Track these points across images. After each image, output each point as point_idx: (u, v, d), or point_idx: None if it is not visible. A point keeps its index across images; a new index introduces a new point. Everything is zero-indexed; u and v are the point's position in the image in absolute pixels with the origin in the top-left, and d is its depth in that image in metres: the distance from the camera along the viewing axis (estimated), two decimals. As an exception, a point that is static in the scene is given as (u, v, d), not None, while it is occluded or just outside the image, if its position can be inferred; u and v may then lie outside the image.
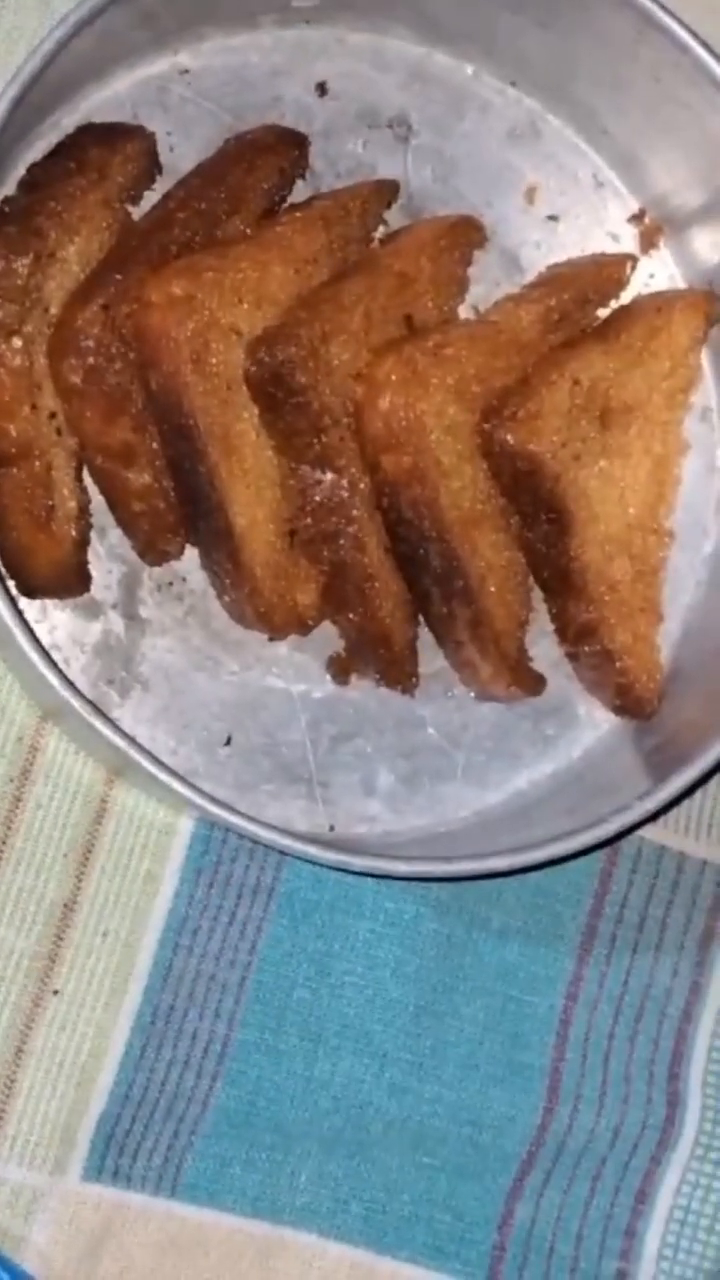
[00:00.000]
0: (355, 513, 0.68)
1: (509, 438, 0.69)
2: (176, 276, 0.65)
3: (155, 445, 0.67)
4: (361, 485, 0.68)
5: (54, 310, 0.65)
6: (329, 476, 0.68)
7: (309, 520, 0.69)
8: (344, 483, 0.68)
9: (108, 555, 0.70)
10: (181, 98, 0.72)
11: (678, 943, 0.73)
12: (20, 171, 0.67)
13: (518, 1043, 0.72)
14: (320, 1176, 0.70)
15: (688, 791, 0.67)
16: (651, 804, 0.67)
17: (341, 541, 0.69)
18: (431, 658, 0.72)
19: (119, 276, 0.65)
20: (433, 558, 0.69)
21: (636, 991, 0.72)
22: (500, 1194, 0.71)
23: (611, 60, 0.72)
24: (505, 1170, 0.71)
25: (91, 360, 0.64)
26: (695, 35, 0.70)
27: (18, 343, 0.63)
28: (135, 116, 0.71)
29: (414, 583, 0.70)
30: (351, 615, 0.70)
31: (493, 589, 0.70)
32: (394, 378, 0.68)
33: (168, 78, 0.72)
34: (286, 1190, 0.70)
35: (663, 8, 0.70)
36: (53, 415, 0.66)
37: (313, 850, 0.65)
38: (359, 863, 0.66)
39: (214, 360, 0.66)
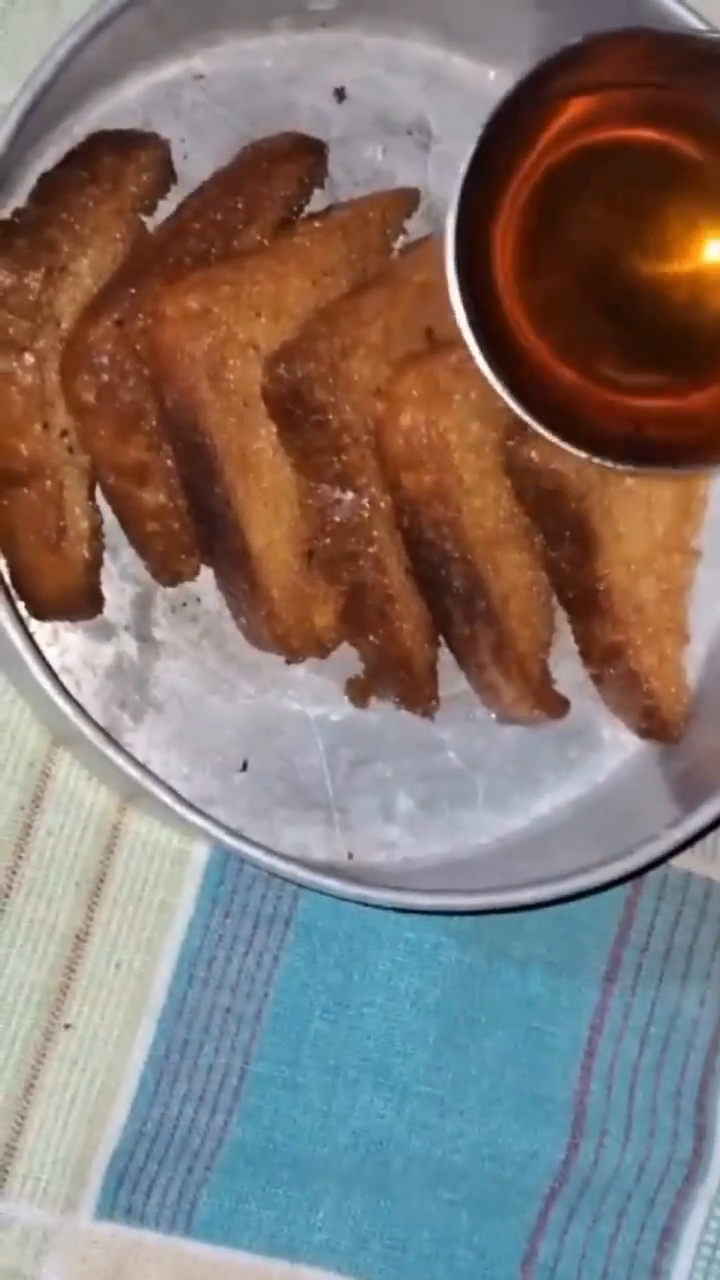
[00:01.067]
0: (375, 532, 0.66)
1: (533, 455, 0.67)
2: (192, 290, 0.63)
3: (169, 463, 0.65)
4: (382, 504, 0.67)
5: (66, 325, 0.63)
6: (349, 495, 0.66)
7: (328, 540, 0.67)
8: (364, 502, 0.66)
9: (120, 575, 0.68)
10: (195, 103, 0.70)
11: (704, 971, 0.71)
12: (31, 181, 0.65)
13: (541, 1075, 0.70)
14: (339, 1213, 0.68)
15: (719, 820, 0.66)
16: (681, 834, 0.65)
17: (361, 562, 0.67)
18: (452, 680, 0.70)
19: (133, 291, 0.63)
20: (455, 578, 0.67)
21: (662, 1022, 0.71)
22: (524, 1231, 0.69)
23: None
24: (528, 1206, 0.69)
25: (105, 377, 0.62)
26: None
27: (29, 359, 0.61)
28: (148, 123, 0.69)
29: (435, 604, 0.68)
30: (371, 637, 0.68)
31: (516, 610, 0.68)
32: (415, 393, 0.66)
33: (181, 82, 0.70)
34: (304, 1227, 0.68)
35: (690, 9, 0.68)
36: (64, 433, 0.64)
37: (332, 884, 0.64)
38: (379, 896, 0.64)
39: (230, 376, 0.64)
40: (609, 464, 0.65)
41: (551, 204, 0.66)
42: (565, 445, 0.65)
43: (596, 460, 0.65)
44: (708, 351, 0.67)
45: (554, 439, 0.65)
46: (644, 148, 0.67)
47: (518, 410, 0.64)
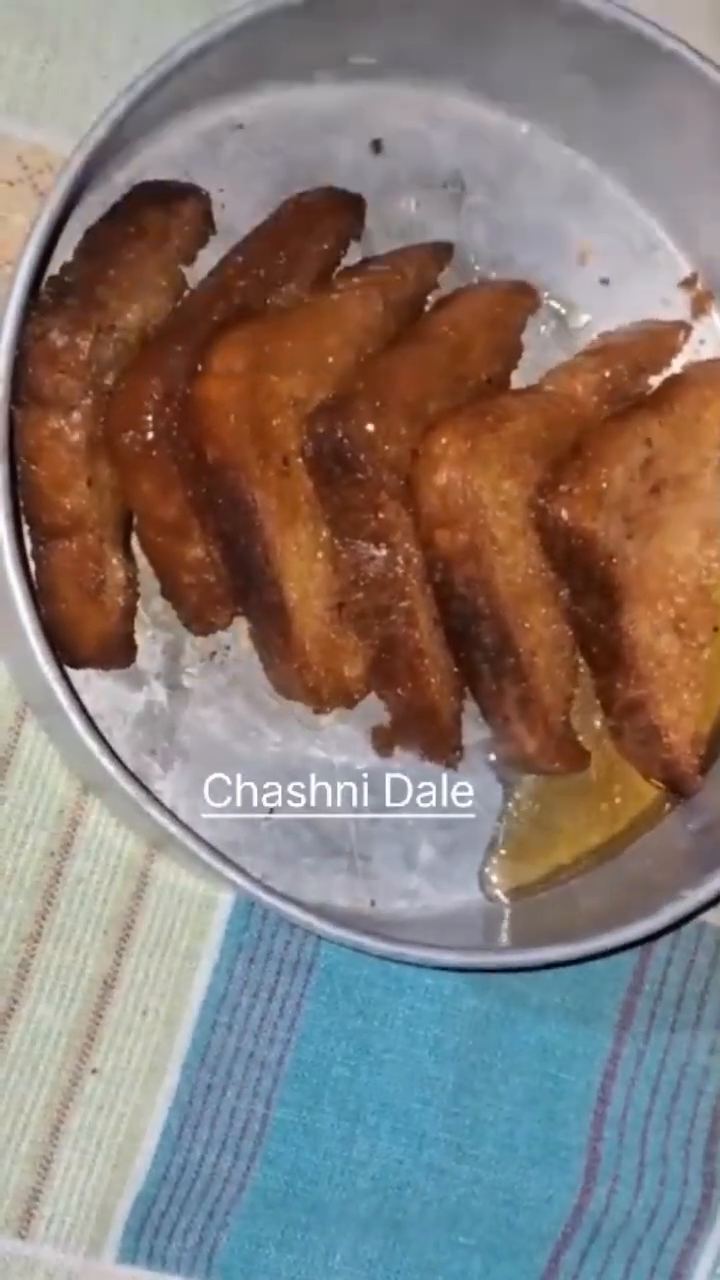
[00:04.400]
0: (408, 588, 0.67)
1: (564, 514, 0.68)
2: (235, 348, 0.64)
3: (209, 518, 0.65)
4: (415, 560, 0.67)
5: (109, 379, 0.63)
6: (383, 552, 0.67)
7: (360, 595, 0.67)
8: (398, 558, 0.67)
9: (151, 623, 0.69)
10: (235, 153, 0.70)
11: (716, 1020, 0.73)
12: (75, 229, 0.65)
13: (555, 1122, 0.71)
14: (355, 1257, 0.69)
15: (742, 880, 0.67)
16: (705, 894, 0.66)
17: (393, 616, 0.67)
18: (473, 729, 0.71)
19: (179, 348, 0.63)
20: (485, 634, 0.68)
21: (674, 1069, 0.72)
22: (536, 1275, 0.70)
23: (670, 123, 0.71)
24: (541, 1250, 0.71)
25: (149, 434, 0.63)
26: (758, 104, 0.69)
27: (77, 417, 0.62)
28: (188, 173, 0.69)
29: (463, 658, 0.69)
30: (399, 690, 0.69)
31: (542, 664, 0.69)
32: (450, 452, 0.66)
33: (221, 132, 0.70)
34: (321, 1271, 0.69)
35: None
36: (106, 487, 0.64)
37: (353, 937, 0.64)
38: (400, 951, 0.65)
39: (272, 433, 0.64)
40: None
41: None
42: None
43: None
44: None
45: None
46: None
47: None
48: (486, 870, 0.71)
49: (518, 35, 0.69)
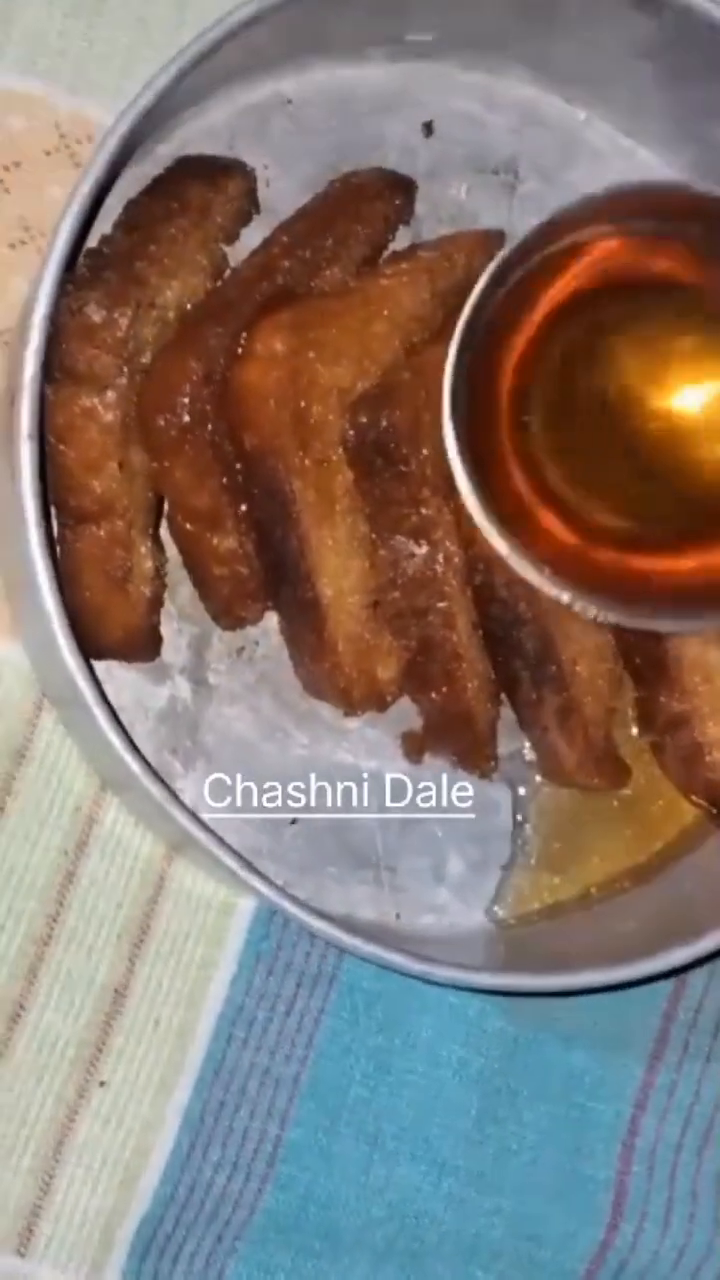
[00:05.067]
0: (447, 588, 0.64)
1: (611, 518, 0.65)
2: (278, 332, 0.61)
3: (243, 508, 0.62)
4: (455, 560, 0.64)
5: (146, 359, 0.61)
6: (423, 549, 0.64)
7: (398, 594, 0.64)
8: (439, 556, 0.64)
9: (178, 615, 0.66)
10: (282, 130, 0.67)
11: (751, 1052, 0.70)
12: (115, 203, 0.63)
13: (582, 1153, 0.68)
14: (368, 1287, 0.66)
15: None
16: (750, 919, 0.63)
17: (431, 617, 0.64)
18: (508, 739, 0.68)
19: (219, 329, 0.61)
20: (526, 640, 0.65)
21: (708, 1102, 0.69)
22: (556, 1313, 0.68)
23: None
24: (562, 1288, 0.68)
25: (186, 418, 0.60)
26: None
27: (111, 396, 0.59)
28: (233, 148, 0.66)
29: (502, 664, 0.66)
30: (434, 694, 0.66)
31: (584, 674, 0.66)
32: (496, 447, 0.64)
33: (269, 107, 0.67)
34: (332, 1301, 0.66)
35: None
36: (137, 472, 0.61)
37: (393, 958, 0.61)
38: (426, 970, 0.62)
39: (313, 422, 0.62)
40: (613, 617, 0.61)
41: (560, 344, 0.61)
42: (565, 594, 0.60)
43: (604, 616, 0.60)
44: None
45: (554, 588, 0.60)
46: (669, 288, 0.62)
47: (522, 568, 0.59)
48: (506, 889, 0.68)
49: (582, 17, 0.66)
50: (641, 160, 0.71)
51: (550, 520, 0.61)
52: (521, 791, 0.68)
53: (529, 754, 0.68)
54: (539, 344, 0.61)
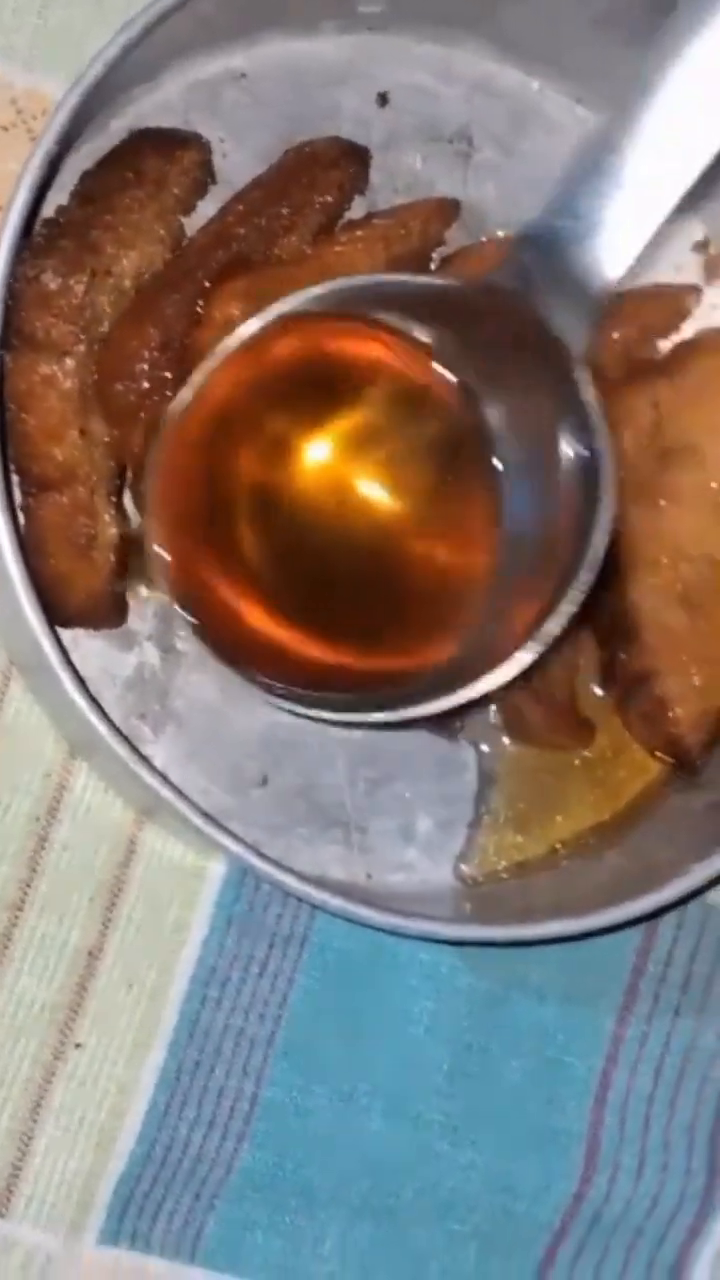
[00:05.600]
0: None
1: (571, 477, 0.66)
2: (235, 298, 0.62)
3: (204, 473, 0.63)
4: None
5: (104, 328, 0.61)
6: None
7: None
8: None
9: (145, 584, 0.66)
10: (236, 103, 0.68)
11: (721, 1004, 0.70)
12: (68, 178, 0.64)
13: (554, 1107, 0.69)
14: (345, 1244, 0.67)
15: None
16: (712, 869, 0.64)
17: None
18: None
19: (176, 296, 0.61)
20: (488, 600, 0.66)
21: (678, 1053, 0.70)
22: (532, 1264, 0.68)
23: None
24: (537, 1240, 0.68)
25: (144, 384, 0.61)
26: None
27: (70, 364, 0.60)
28: (188, 122, 0.67)
29: (465, 624, 0.67)
30: (400, 657, 0.67)
31: (546, 634, 0.67)
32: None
33: (221, 81, 0.68)
34: (310, 1258, 0.66)
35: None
36: (98, 440, 0.62)
37: (347, 906, 0.62)
38: (394, 922, 0.63)
39: (271, 386, 0.62)
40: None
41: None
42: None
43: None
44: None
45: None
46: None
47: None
48: (474, 848, 0.68)
49: (534, -10, 0.67)
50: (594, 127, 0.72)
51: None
52: (486, 750, 0.69)
53: (494, 715, 0.69)
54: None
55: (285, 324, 0.57)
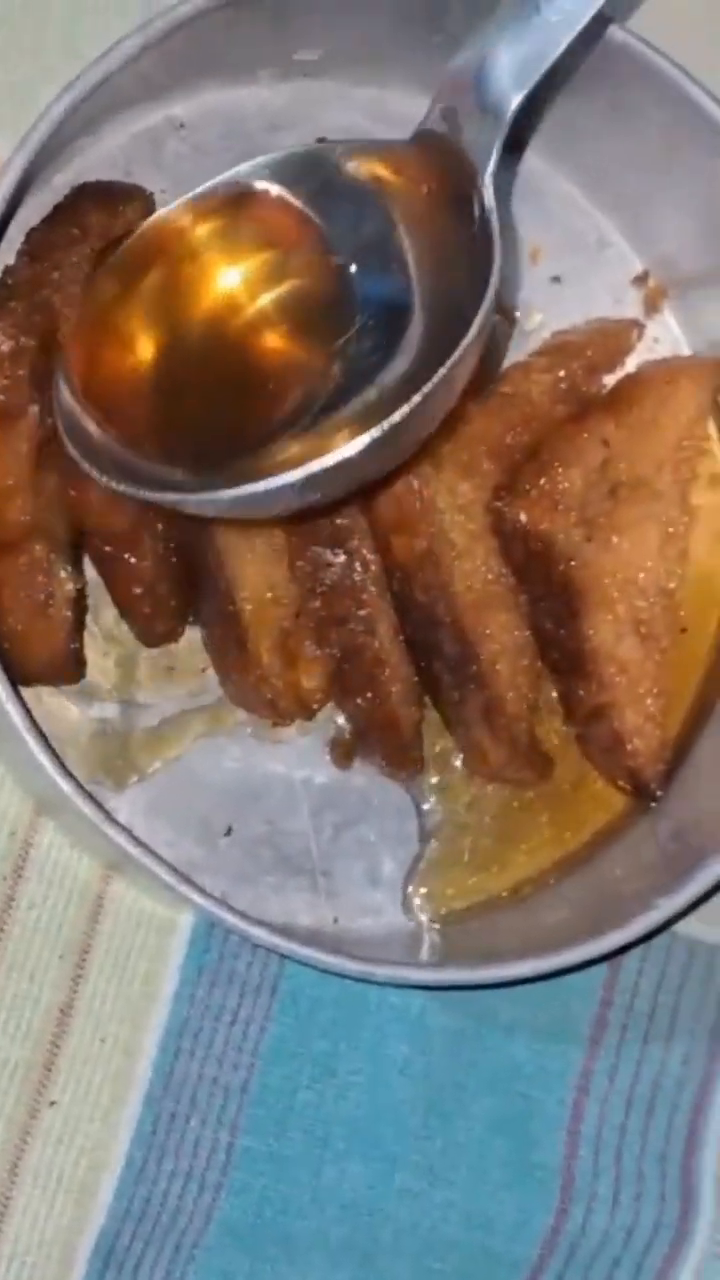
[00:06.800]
0: (367, 595, 0.65)
1: (522, 517, 0.67)
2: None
3: (160, 527, 0.63)
4: (373, 566, 0.65)
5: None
6: (341, 558, 0.65)
7: (318, 603, 0.65)
8: (356, 564, 0.65)
9: (103, 637, 0.66)
10: (177, 153, 0.68)
11: (688, 1030, 0.71)
12: (16, 234, 0.63)
13: (528, 1141, 0.69)
14: (327, 1288, 0.67)
15: (715, 889, 0.65)
16: (678, 903, 0.64)
17: (352, 625, 0.66)
18: (433, 739, 0.69)
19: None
20: (446, 643, 0.66)
21: (647, 1082, 0.70)
22: (511, 1300, 0.69)
23: (620, 118, 0.70)
24: (516, 1275, 0.68)
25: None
26: (711, 96, 0.68)
27: (23, 425, 0.60)
28: (129, 174, 0.67)
29: (424, 666, 0.67)
30: (359, 700, 0.67)
31: (504, 672, 0.67)
32: (404, 456, 0.65)
33: (162, 131, 0.68)
34: (292, 1304, 0.67)
35: (682, 71, 0.67)
36: (54, 498, 0.62)
37: (317, 956, 0.62)
38: (366, 970, 0.63)
39: (223, 437, 0.63)
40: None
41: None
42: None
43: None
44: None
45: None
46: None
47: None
48: (438, 887, 0.69)
49: (464, 30, 0.67)
50: (531, 168, 0.72)
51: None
52: (447, 790, 0.69)
53: (455, 754, 0.70)
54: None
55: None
